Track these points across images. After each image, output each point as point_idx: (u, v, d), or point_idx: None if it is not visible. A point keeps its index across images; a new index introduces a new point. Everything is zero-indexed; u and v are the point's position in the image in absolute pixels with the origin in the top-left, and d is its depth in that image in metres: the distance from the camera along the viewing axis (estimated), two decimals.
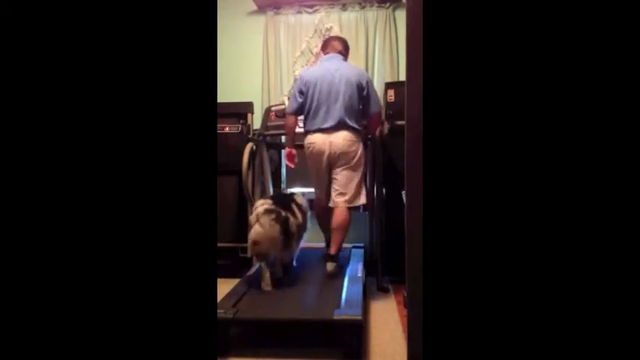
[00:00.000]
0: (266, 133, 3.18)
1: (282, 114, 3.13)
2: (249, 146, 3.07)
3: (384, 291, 2.84)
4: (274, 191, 3.28)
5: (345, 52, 2.82)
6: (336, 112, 2.56)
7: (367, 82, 2.65)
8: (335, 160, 2.61)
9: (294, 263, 2.67)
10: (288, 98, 3.06)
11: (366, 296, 2.59)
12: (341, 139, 2.57)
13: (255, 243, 2.35)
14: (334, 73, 2.61)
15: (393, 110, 3.11)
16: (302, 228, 2.61)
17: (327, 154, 2.59)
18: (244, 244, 3.07)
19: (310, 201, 2.88)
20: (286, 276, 2.52)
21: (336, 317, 1.93)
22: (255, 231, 2.34)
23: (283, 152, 3.45)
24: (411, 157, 1.31)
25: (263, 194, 3.19)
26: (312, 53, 3.81)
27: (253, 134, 3.26)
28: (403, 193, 1.63)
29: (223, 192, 3.28)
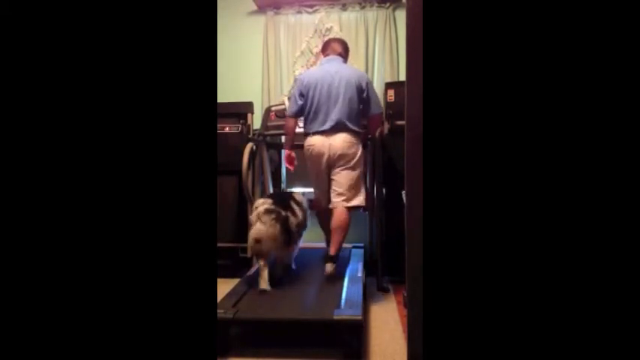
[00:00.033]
0: (266, 133, 3.18)
1: (282, 114, 3.13)
2: (249, 146, 3.07)
3: (384, 291, 2.84)
4: (274, 191, 3.28)
5: (345, 54, 2.82)
6: (336, 114, 2.57)
7: (367, 84, 2.65)
8: (334, 162, 2.61)
9: (293, 266, 2.67)
10: (289, 98, 3.06)
11: (366, 296, 2.59)
12: (340, 141, 2.57)
13: (256, 241, 2.34)
14: (334, 75, 2.61)
15: (393, 110, 3.11)
16: (302, 226, 2.62)
17: (326, 156, 2.60)
18: (244, 244, 3.09)
19: (310, 201, 2.88)
20: (286, 276, 2.52)
21: (336, 317, 1.93)
22: (257, 229, 2.35)
23: (283, 152, 3.46)
24: (411, 157, 1.31)
25: (263, 194, 3.19)
26: (312, 53, 3.81)
27: (253, 134, 3.26)
28: (403, 193, 1.63)
29: (223, 192, 3.28)
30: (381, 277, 2.88)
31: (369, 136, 2.86)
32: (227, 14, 3.76)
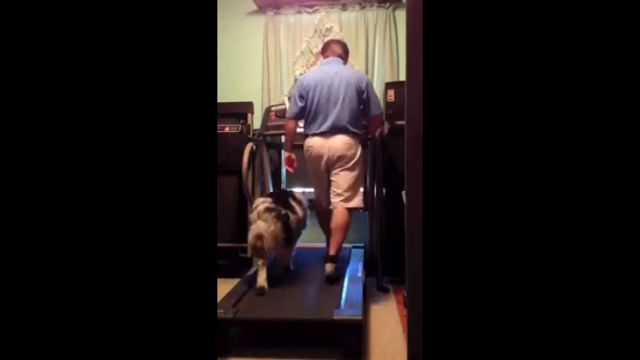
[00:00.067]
0: (266, 133, 3.18)
1: (282, 114, 3.13)
2: (249, 146, 3.07)
3: (384, 291, 2.84)
4: (274, 191, 3.28)
5: (344, 55, 2.83)
6: (335, 116, 2.57)
7: (367, 85, 2.65)
8: (333, 163, 2.62)
9: (291, 267, 2.66)
10: (289, 98, 3.06)
11: (366, 296, 2.59)
12: (339, 142, 2.58)
13: (257, 237, 2.33)
14: (333, 76, 2.61)
15: (393, 110, 3.11)
16: (302, 224, 2.62)
17: (325, 158, 2.61)
18: (244, 244, 3.09)
19: (311, 201, 2.88)
20: (286, 276, 2.52)
21: (336, 317, 1.93)
22: (258, 226, 2.35)
23: (283, 152, 3.46)
24: (411, 157, 1.31)
25: (263, 194, 3.19)
26: (312, 53, 3.81)
27: (253, 134, 3.26)
28: (403, 193, 1.63)
29: (223, 192, 3.28)
30: (381, 277, 2.88)
31: (369, 136, 2.86)
32: (227, 14, 3.76)
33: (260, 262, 2.37)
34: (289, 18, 3.88)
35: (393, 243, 2.89)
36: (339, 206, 2.61)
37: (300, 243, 2.74)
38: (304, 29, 3.85)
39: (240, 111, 3.37)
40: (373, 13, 3.78)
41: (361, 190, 2.74)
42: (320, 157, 2.62)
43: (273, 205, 2.41)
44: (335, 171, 2.63)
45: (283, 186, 3.53)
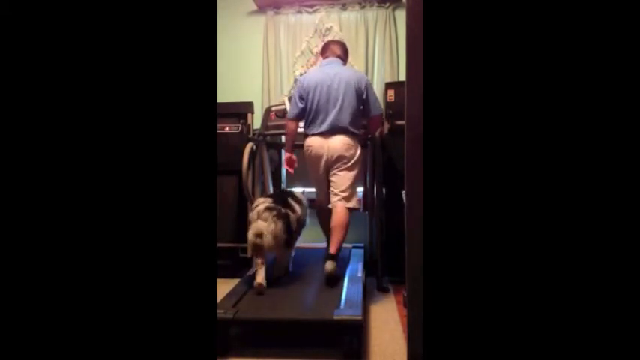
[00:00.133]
0: (266, 133, 3.18)
1: (282, 114, 3.13)
2: (249, 146, 3.07)
3: (384, 291, 2.84)
4: (274, 191, 3.28)
5: (344, 56, 2.83)
6: (335, 116, 2.57)
7: (366, 86, 2.65)
8: (332, 163, 2.62)
9: (290, 268, 2.66)
10: (289, 98, 3.07)
11: (366, 296, 2.59)
12: (339, 143, 2.58)
13: (257, 235, 2.33)
14: (333, 77, 2.61)
15: (393, 110, 3.11)
16: (301, 223, 2.62)
17: (324, 158, 2.61)
18: (244, 244, 3.08)
19: (311, 201, 2.88)
20: (286, 276, 2.52)
21: (336, 317, 1.93)
22: (257, 225, 2.35)
23: (283, 152, 3.46)
24: (411, 157, 1.31)
25: (263, 194, 3.19)
26: (312, 53, 3.81)
27: (253, 134, 3.26)
28: (403, 193, 1.63)
29: (223, 192, 3.28)
30: (381, 277, 2.88)
31: (369, 136, 2.86)
32: (227, 14, 3.76)
33: (259, 260, 2.36)
34: (289, 18, 3.88)
35: (393, 243, 2.89)
36: (338, 206, 2.61)
37: (300, 243, 2.73)
38: (304, 29, 3.85)
39: (240, 111, 3.37)
40: (373, 13, 3.78)
41: (360, 190, 2.73)
42: (319, 157, 2.62)
43: (273, 205, 2.41)
44: (334, 171, 2.63)
45: (283, 186, 3.53)
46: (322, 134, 2.60)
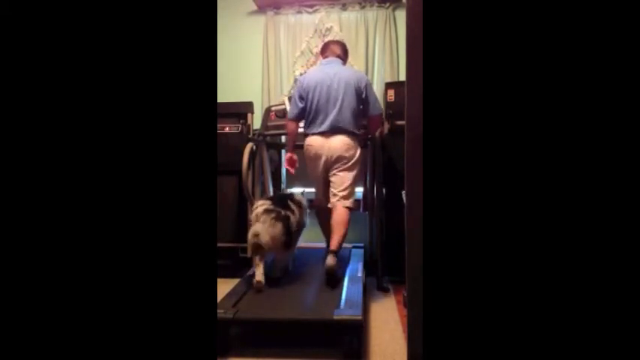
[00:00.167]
0: (266, 133, 3.18)
1: (282, 114, 3.13)
2: (249, 146, 3.07)
3: (384, 291, 2.84)
4: (274, 192, 3.28)
5: (343, 56, 2.83)
6: (335, 116, 2.57)
7: (366, 86, 2.65)
8: (332, 163, 2.63)
9: (291, 268, 2.65)
10: (289, 98, 3.07)
11: (366, 296, 2.59)
12: (339, 142, 2.58)
13: (255, 235, 2.34)
14: (333, 77, 2.61)
15: (393, 110, 3.11)
16: (301, 225, 2.62)
17: (324, 158, 2.61)
18: (244, 244, 3.08)
19: (311, 201, 2.88)
20: (286, 276, 2.52)
21: (336, 317, 1.93)
22: (256, 227, 2.36)
23: (283, 152, 3.46)
24: (411, 157, 1.31)
25: (263, 194, 3.19)
26: (312, 53, 3.81)
27: (253, 134, 3.26)
28: (403, 193, 1.63)
29: (223, 192, 3.28)
30: (381, 277, 2.88)
31: (369, 136, 2.86)
32: (227, 14, 3.76)
33: (257, 257, 2.37)
34: (289, 18, 3.88)
35: (393, 243, 2.89)
36: (338, 205, 2.61)
37: (300, 243, 2.73)
38: (304, 29, 3.86)
39: (240, 111, 3.37)
40: (373, 13, 3.79)
41: (360, 190, 2.73)
42: (319, 156, 2.62)
43: (272, 207, 2.41)
44: (334, 171, 2.64)
45: (283, 186, 3.53)
46: (322, 134, 2.60)
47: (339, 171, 2.62)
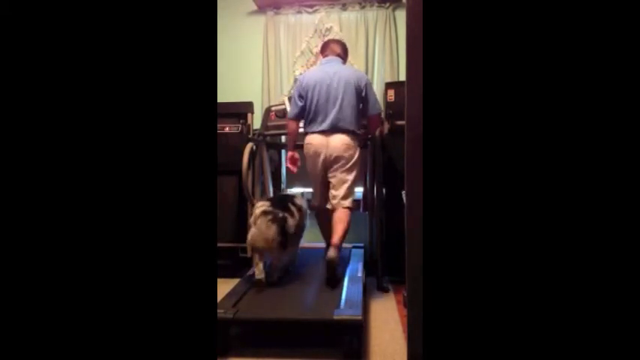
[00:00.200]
0: (266, 133, 3.18)
1: (282, 114, 3.13)
2: (249, 146, 3.07)
3: (384, 291, 2.84)
4: (274, 192, 3.28)
5: (343, 54, 2.83)
6: (335, 115, 2.57)
7: (366, 85, 2.65)
8: (330, 163, 2.62)
9: (290, 269, 2.65)
10: (289, 98, 3.06)
11: (366, 296, 2.59)
12: (339, 142, 2.58)
13: (251, 245, 2.39)
14: (332, 76, 2.61)
15: (393, 110, 3.11)
16: (300, 228, 2.61)
17: (323, 156, 2.61)
18: (244, 244, 3.09)
19: (309, 201, 2.88)
20: (285, 276, 2.51)
21: (336, 317, 1.93)
22: (252, 233, 2.38)
23: (283, 152, 3.46)
24: (411, 157, 1.31)
25: (263, 194, 3.19)
26: (312, 53, 3.81)
27: (253, 134, 3.26)
28: (403, 193, 1.63)
29: (223, 192, 3.28)
30: (381, 277, 2.88)
31: (369, 136, 2.86)
32: (227, 14, 3.76)
33: (257, 257, 2.40)
34: (289, 18, 3.88)
35: (393, 243, 2.89)
36: (339, 207, 2.61)
37: (300, 243, 2.73)
38: (304, 29, 3.86)
39: (240, 111, 3.37)
40: (373, 13, 3.79)
41: (360, 190, 2.73)
42: (318, 154, 2.62)
43: (270, 209, 2.41)
44: (333, 173, 2.63)
45: (283, 186, 3.53)
46: (323, 132, 2.60)
47: (339, 173, 2.61)
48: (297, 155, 2.82)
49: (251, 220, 2.46)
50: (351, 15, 3.81)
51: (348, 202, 2.63)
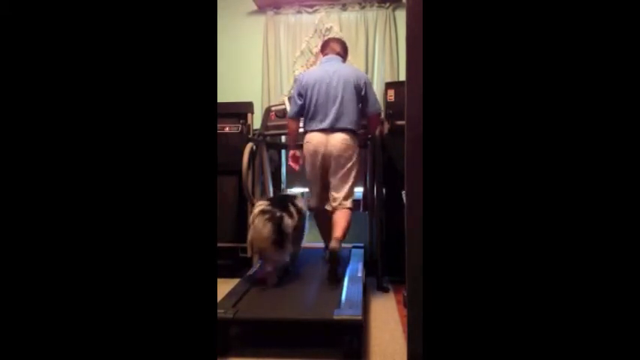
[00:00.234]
0: (266, 133, 3.18)
1: (282, 114, 3.13)
2: (249, 146, 3.07)
3: (384, 291, 2.84)
4: (274, 192, 3.28)
5: (343, 53, 2.82)
6: (334, 114, 2.57)
7: (365, 84, 2.65)
8: (329, 162, 2.61)
9: (290, 268, 2.63)
10: (289, 98, 3.06)
11: (366, 296, 2.59)
12: (339, 140, 2.57)
13: (250, 244, 2.42)
14: (332, 75, 2.61)
15: (393, 110, 3.11)
16: (299, 230, 2.61)
17: (321, 153, 2.60)
18: (244, 244, 3.09)
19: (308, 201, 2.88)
20: (286, 276, 2.51)
21: (336, 317, 1.93)
22: (250, 232, 2.40)
23: (283, 152, 3.46)
24: (411, 157, 1.31)
25: (263, 194, 3.19)
26: (312, 53, 3.81)
27: (253, 134, 3.26)
28: (403, 193, 1.63)
29: (223, 192, 3.28)
30: (381, 277, 2.88)
31: (369, 136, 2.86)
32: (227, 14, 3.77)
33: (257, 256, 2.44)
34: (289, 18, 3.89)
35: (393, 243, 2.89)
36: (339, 208, 2.62)
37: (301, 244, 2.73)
38: (304, 29, 3.86)
39: (240, 111, 3.37)
40: (373, 13, 3.79)
41: (360, 190, 2.73)
42: (317, 152, 2.61)
43: (268, 208, 2.40)
44: (332, 175, 2.63)
45: (283, 186, 3.53)
46: (323, 130, 2.60)
47: (338, 175, 2.61)
48: (298, 153, 2.82)
49: (250, 219, 2.47)
50: (351, 15, 3.81)
51: (348, 203, 2.63)
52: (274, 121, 3.19)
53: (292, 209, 2.51)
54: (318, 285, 2.42)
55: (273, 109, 3.27)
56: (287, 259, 2.52)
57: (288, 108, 2.95)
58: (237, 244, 3.23)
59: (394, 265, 2.88)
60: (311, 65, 3.74)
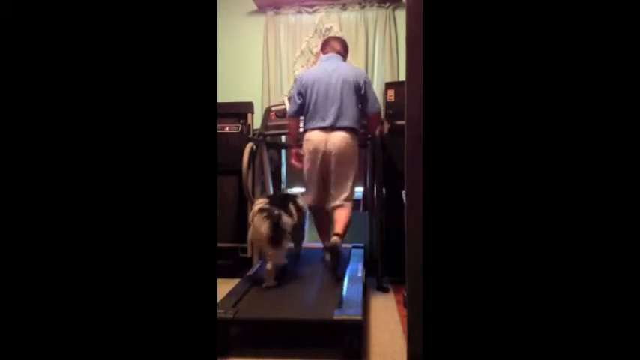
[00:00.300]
0: (266, 133, 3.18)
1: (282, 114, 3.13)
2: (249, 146, 3.07)
3: (384, 291, 2.84)
4: (274, 192, 3.28)
5: (343, 52, 2.82)
6: (335, 112, 2.57)
7: (365, 82, 2.64)
8: (328, 160, 2.61)
9: (284, 261, 2.57)
10: (289, 98, 3.06)
11: (366, 296, 2.59)
12: (339, 139, 2.57)
13: (250, 241, 2.44)
14: (332, 73, 2.61)
15: (393, 110, 3.11)
16: (298, 229, 2.60)
17: (321, 152, 2.60)
18: (244, 244, 3.09)
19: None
20: (286, 276, 2.51)
21: (336, 317, 1.93)
22: (249, 230, 2.41)
23: (283, 152, 3.46)
24: (411, 157, 1.31)
25: (263, 194, 3.19)
26: (312, 53, 3.81)
27: (253, 134, 3.26)
28: (403, 193, 1.63)
29: (223, 192, 3.28)
30: (381, 277, 2.88)
31: (369, 135, 2.85)
32: (227, 14, 3.77)
33: (257, 255, 2.45)
34: (289, 18, 3.89)
35: (393, 243, 2.89)
36: (339, 206, 2.62)
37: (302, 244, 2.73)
38: (304, 29, 3.86)
39: (240, 111, 3.37)
40: (373, 13, 3.79)
41: (360, 190, 2.73)
42: (317, 151, 2.61)
43: (267, 206, 2.40)
44: (332, 174, 2.62)
45: (283, 186, 3.53)
46: (323, 129, 2.59)
47: (338, 173, 2.61)
48: (300, 151, 2.81)
49: (249, 217, 2.48)
50: (351, 15, 3.81)
51: (348, 203, 2.63)
52: (274, 121, 3.19)
53: (292, 208, 2.51)
54: (318, 285, 2.42)
55: (273, 109, 3.27)
56: (285, 260, 2.50)
57: (288, 108, 2.95)
58: (237, 244, 3.23)
59: (394, 265, 2.88)
60: (311, 65, 3.74)
